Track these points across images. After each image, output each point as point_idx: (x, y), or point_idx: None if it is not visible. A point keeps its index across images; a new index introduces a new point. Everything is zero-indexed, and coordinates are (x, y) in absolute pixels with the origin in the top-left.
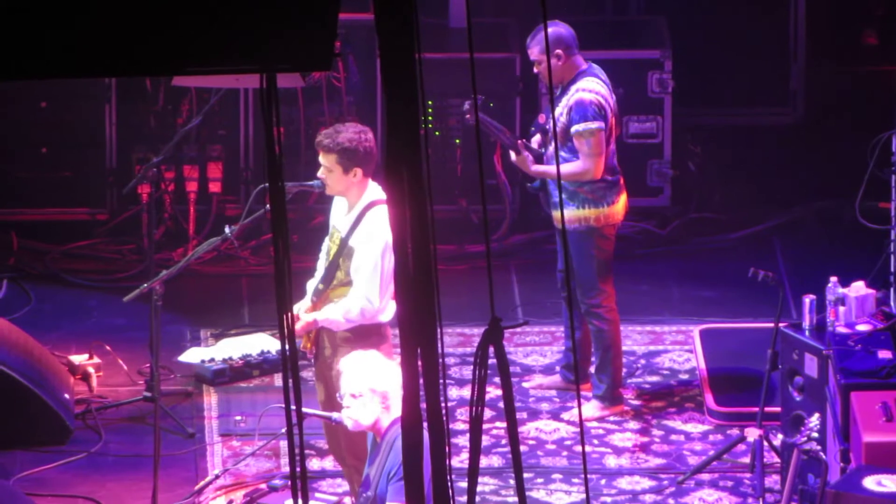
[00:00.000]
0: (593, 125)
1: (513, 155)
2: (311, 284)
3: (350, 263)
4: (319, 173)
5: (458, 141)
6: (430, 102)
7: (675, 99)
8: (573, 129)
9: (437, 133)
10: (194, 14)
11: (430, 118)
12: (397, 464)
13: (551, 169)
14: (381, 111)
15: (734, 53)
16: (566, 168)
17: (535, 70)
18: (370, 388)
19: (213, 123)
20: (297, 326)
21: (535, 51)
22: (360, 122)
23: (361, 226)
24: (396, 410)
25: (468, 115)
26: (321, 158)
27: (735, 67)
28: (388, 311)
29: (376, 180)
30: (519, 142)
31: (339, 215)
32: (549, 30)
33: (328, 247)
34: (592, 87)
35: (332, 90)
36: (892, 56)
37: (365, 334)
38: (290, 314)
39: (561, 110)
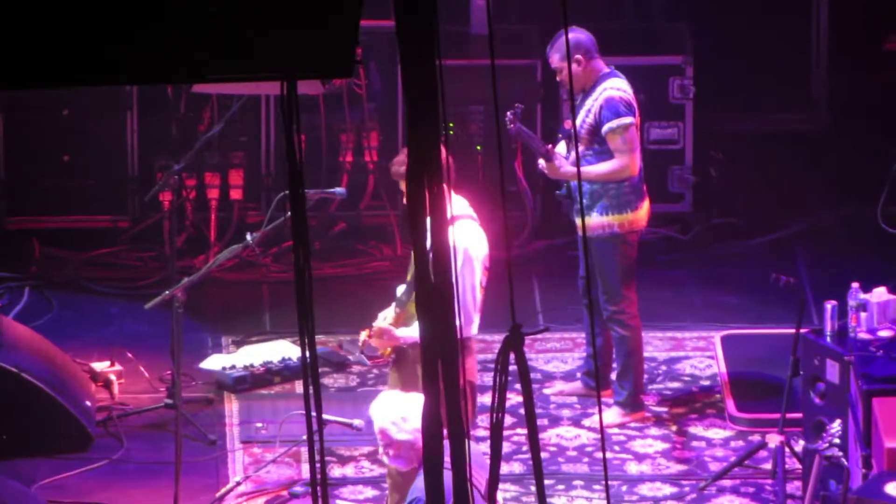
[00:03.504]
0: (626, 120)
1: (542, 163)
2: (400, 290)
3: None
4: None
5: (479, 147)
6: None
7: (696, 105)
8: (606, 126)
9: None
10: (215, 21)
11: (451, 124)
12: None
13: (584, 171)
14: (402, 118)
15: (756, 59)
16: (603, 167)
17: (558, 78)
18: (395, 441)
19: (235, 130)
20: (375, 331)
21: (555, 58)
22: (380, 129)
23: None
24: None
25: (511, 125)
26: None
27: (757, 73)
28: (474, 324)
29: (459, 193)
30: (549, 147)
31: None
32: (569, 36)
33: None
34: (619, 86)
35: (354, 97)
36: None
37: None
38: (310, 321)
39: (585, 113)
